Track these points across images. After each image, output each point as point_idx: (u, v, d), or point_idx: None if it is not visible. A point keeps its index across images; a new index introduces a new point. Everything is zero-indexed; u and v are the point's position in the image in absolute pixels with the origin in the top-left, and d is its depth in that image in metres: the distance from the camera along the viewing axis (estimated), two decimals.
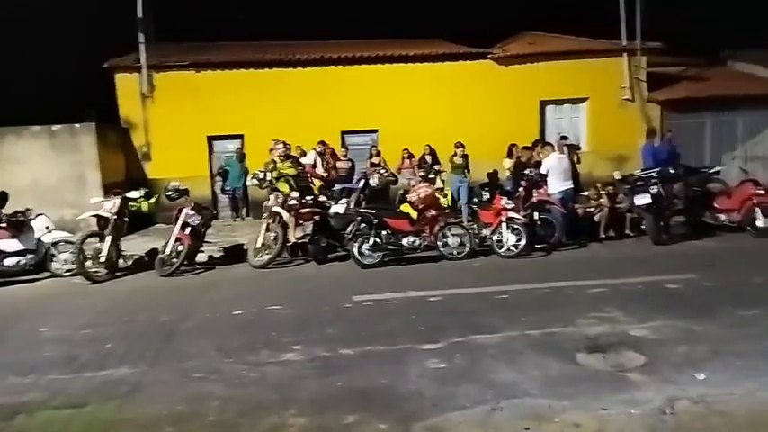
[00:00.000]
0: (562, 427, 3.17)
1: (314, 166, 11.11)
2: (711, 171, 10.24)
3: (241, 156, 12.39)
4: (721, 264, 7.20)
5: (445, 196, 9.53)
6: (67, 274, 8.08)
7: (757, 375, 3.68)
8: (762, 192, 8.97)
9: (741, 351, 4.11)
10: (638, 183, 8.87)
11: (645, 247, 8.57)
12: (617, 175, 9.53)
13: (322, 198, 8.94)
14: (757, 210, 8.79)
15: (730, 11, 17.09)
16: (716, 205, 9.36)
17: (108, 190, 9.77)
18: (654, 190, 8.57)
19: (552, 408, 3.39)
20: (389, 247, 8.06)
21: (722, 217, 9.27)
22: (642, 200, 8.58)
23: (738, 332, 4.55)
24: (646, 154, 10.29)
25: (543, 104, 13.59)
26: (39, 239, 8.18)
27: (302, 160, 11.19)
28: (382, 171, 10.29)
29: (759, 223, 8.76)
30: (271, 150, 10.22)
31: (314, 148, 11.40)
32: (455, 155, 11.03)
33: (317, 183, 10.73)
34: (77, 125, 11.21)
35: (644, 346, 4.33)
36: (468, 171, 11.15)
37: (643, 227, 8.98)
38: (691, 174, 9.87)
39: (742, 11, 16.82)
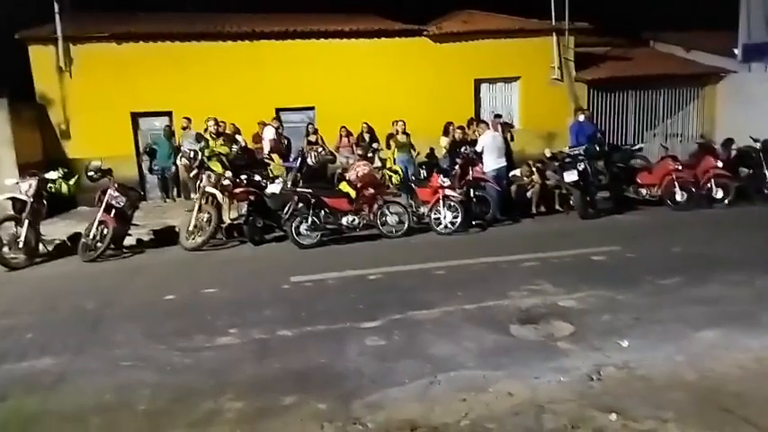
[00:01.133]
0: (496, 396, 3.27)
1: (277, 140, 10.98)
2: (634, 148, 10.77)
3: (170, 133, 11.85)
4: (643, 236, 7.63)
5: (396, 172, 9.49)
6: None
7: (676, 340, 3.93)
8: (680, 167, 9.52)
9: (661, 318, 4.38)
10: (567, 160, 9.20)
11: (573, 222, 8.94)
12: (547, 153, 9.85)
13: (257, 177, 8.71)
14: (676, 184, 9.32)
15: None
16: (638, 180, 9.85)
17: (23, 171, 9.12)
18: (581, 166, 8.92)
19: (487, 378, 3.49)
20: (328, 226, 7.99)
21: (644, 192, 9.77)
22: (570, 176, 8.92)
23: (658, 300, 4.84)
24: (572, 131, 10.68)
25: (478, 83, 13.78)
26: None
27: (265, 135, 11.05)
28: (319, 149, 10.17)
29: (678, 197, 9.31)
30: (205, 130, 9.92)
31: (269, 124, 11.38)
32: (396, 132, 10.95)
33: (277, 159, 10.52)
34: None
35: (572, 315, 4.54)
36: (414, 149, 11.07)
37: (571, 202, 9.34)
38: (615, 150, 10.35)
39: None
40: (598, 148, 9.52)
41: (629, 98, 14.42)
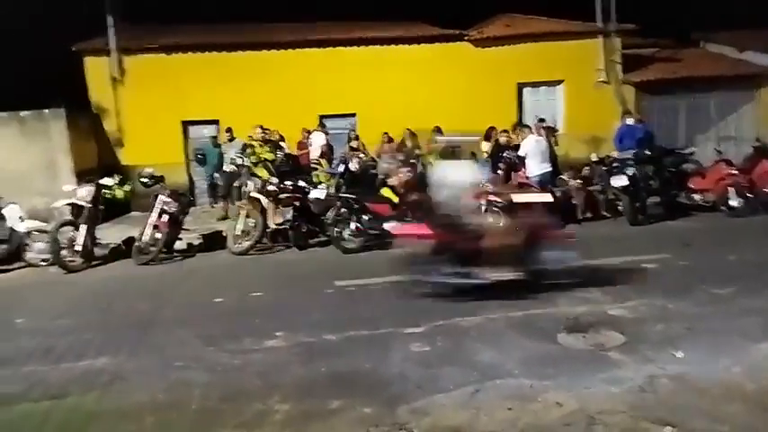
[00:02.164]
0: (544, 406, 3.21)
1: (328, 146, 11.21)
2: (686, 152, 10.41)
3: (215, 143, 12.09)
4: (696, 243, 7.35)
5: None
6: (43, 263, 7.89)
7: (732, 351, 3.78)
8: (735, 172, 9.15)
9: (716, 328, 4.22)
10: (615, 164, 8.97)
11: (622, 228, 8.69)
12: (594, 157, 9.63)
13: (301, 183, 8.84)
14: (730, 189, 8.97)
15: None
16: (690, 185, 9.52)
17: (80, 177, 9.55)
18: (630, 171, 8.69)
19: (534, 388, 3.44)
20: (371, 231, 8.04)
21: (697, 197, 9.44)
22: (619, 181, 8.70)
23: (713, 309, 4.67)
24: (618, 135, 10.41)
25: (520, 87, 13.62)
26: (12, 229, 7.97)
27: (314, 141, 11.22)
28: (361, 155, 10.24)
29: (732, 203, 8.95)
30: (251, 138, 10.15)
31: (317, 130, 11.55)
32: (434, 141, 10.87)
33: (325, 164, 10.62)
34: (47, 111, 10.88)
35: (623, 325, 4.42)
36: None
37: (620, 208, 9.10)
38: (666, 155, 10.02)
39: None
40: (649, 152, 9.24)
41: (680, 100, 13.95)
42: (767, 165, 9.27)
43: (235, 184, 9.82)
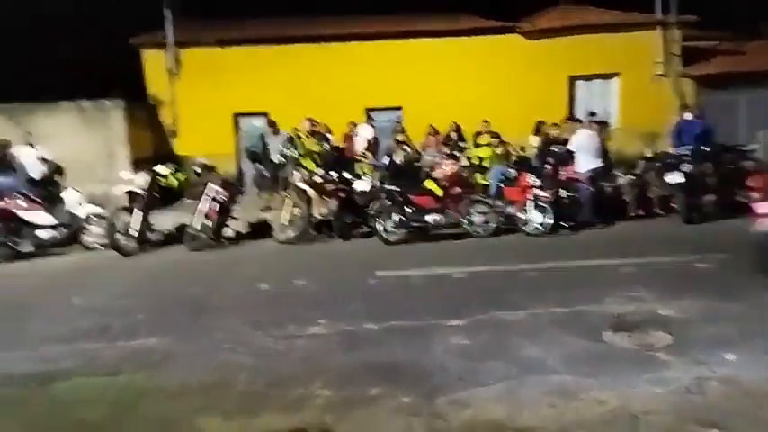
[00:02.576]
0: (587, 404, 3.16)
1: (375, 139, 11.31)
2: (747, 149, 9.92)
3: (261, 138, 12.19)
4: (753, 244, 7.01)
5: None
6: (100, 247, 8.27)
7: None
8: None
9: None
10: (669, 160, 8.65)
11: (676, 227, 8.39)
12: (647, 153, 9.32)
13: (347, 175, 8.94)
14: None
15: None
16: (750, 184, 9.07)
17: (136, 166, 9.94)
18: (686, 168, 8.36)
19: (577, 384, 3.38)
20: (414, 223, 8.05)
21: (756, 195, 8.98)
22: (674, 178, 8.38)
23: (766, 312, 4.46)
24: (676, 131, 10.01)
25: (573, 80, 13.29)
26: (71, 213, 8.38)
27: (362, 134, 11.33)
28: (407, 148, 10.24)
29: None
30: (296, 129, 10.29)
31: (366, 123, 11.64)
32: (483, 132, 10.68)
33: (370, 157, 10.49)
34: (107, 102, 11.38)
35: (671, 325, 4.28)
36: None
37: (674, 205, 8.78)
38: (725, 151, 9.58)
39: None
40: (706, 149, 8.86)
41: (742, 95, 13.30)
42: None
43: (281, 176, 9.99)
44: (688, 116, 10.25)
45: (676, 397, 3.18)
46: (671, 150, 9.09)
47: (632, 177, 9.31)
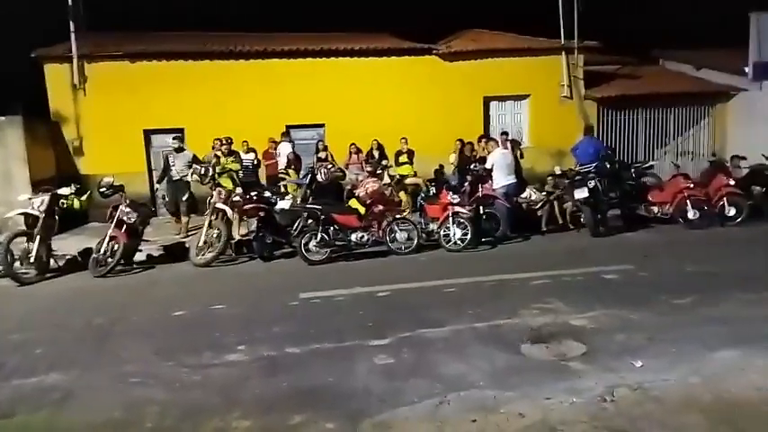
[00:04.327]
0: (508, 418, 3.21)
1: (296, 156, 11.17)
2: (645, 165, 10.70)
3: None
4: (655, 254, 7.54)
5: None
6: None
7: (691, 361, 3.86)
8: (692, 185, 9.43)
9: (675, 338, 4.30)
10: (577, 177, 9.16)
11: (584, 240, 8.86)
12: (557, 170, 9.81)
13: (267, 193, 8.74)
14: (688, 202, 9.24)
15: (662, 12, 17.93)
16: (649, 198, 9.77)
17: (37, 186, 9.22)
18: (591, 184, 8.87)
19: (498, 399, 3.44)
20: (337, 242, 7.98)
21: (655, 209, 9.68)
22: (580, 193, 8.88)
23: (672, 320, 4.77)
24: (577, 150, 10.67)
25: (487, 100, 13.81)
26: None
27: (282, 151, 11.23)
28: (329, 166, 10.19)
29: (689, 215, 9.21)
30: (213, 147, 9.98)
31: (284, 140, 11.52)
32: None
33: (293, 174, 10.57)
34: (2, 118, 10.51)
35: (584, 335, 4.47)
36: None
37: (582, 220, 9.27)
38: (625, 168, 10.27)
39: (673, 12, 17.68)
40: (609, 166, 9.46)
41: (640, 116, 14.37)
42: (723, 179, 9.59)
43: (184, 198, 9.62)
44: (581, 137, 10.96)
45: (591, 407, 3.29)
46: (577, 167, 9.61)
47: (544, 193, 9.75)
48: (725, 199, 9.37)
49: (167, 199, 10.00)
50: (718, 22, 14.97)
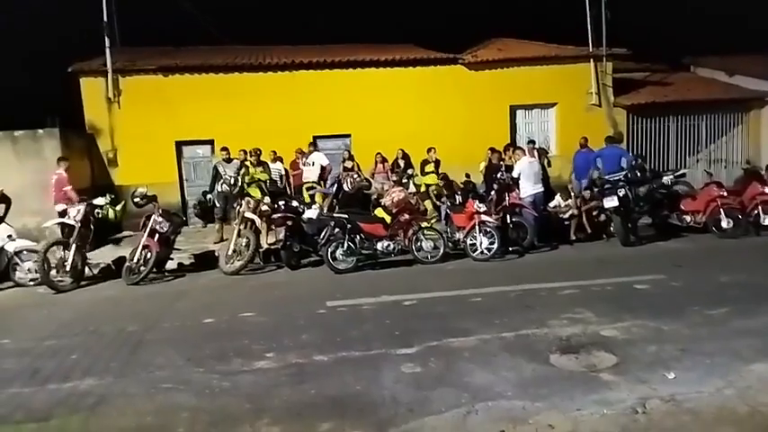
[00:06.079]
0: (536, 428, 3.17)
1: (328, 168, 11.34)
2: (677, 174, 10.50)
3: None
4: (688, 264, 7.37)
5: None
6: (31, 283, 7.83)
7: (725, 373, 3.76)
8: (725, 194, 9.22)
9: (709, 350, 4.19)
10: (606, 186, 9.03)
11: (614, 249, 8.72)
12: (595, 174, 9.69)
13: (294, 203, 8.85)
14: (721, 211, 9.03)
15: (693, 19, 17.65)
16: (682, 207, 9.58)
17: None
18: (621, 192, 8.74)
19: (527, 409, 3.40)
20: (363, 251, 8.02)
21: (688, 218, 9.49)
22: (610, 202, 8.74)
23: (706, 331, 4.65)
24: (578, 160, 10.58)
25: (513, 109, 13.75)
26: (1, 248, 7.90)
27: (317, 160, 11.35)
28: (355, 175, 10.28)
29: (723, 224, 9.00)
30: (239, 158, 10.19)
31: (314, 150, 11.61)
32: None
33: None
34: (41, 131, 10.87)
35: (615, 346, 4.39)
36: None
37: (612, 229, 9.13)
38: (656, 176, 10.10)
39: (704, 19, 17.39)
40: (639, 174, 9.31)
41: (671, 123, 14.13)
42: (757, 187, 9.36)
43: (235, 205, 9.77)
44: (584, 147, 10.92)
45: (623, 418, 3.23)
46: (607, 176, 9.49)
47: (572, 202, 9.63)
48: (759, 207, 9.14)
49: (218, 205, 10.34)
50: (750, 29, 14.67)
